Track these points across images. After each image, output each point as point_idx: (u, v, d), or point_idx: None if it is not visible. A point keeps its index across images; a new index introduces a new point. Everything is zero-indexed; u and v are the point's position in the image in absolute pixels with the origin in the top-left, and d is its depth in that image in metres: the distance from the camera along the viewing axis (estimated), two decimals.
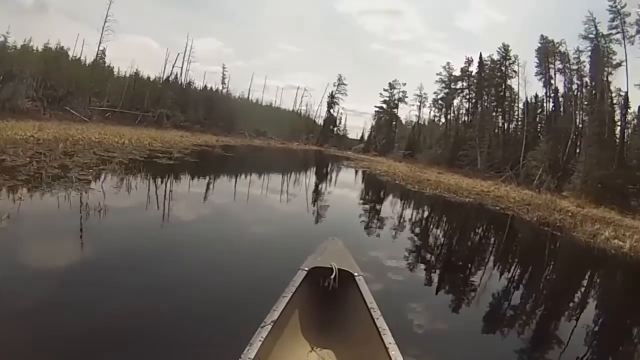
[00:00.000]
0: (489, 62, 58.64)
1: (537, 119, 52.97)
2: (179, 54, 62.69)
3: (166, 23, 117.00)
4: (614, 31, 42.85)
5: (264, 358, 3.48)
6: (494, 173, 46.86)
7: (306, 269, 4.68)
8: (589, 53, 45.71)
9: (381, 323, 3.82)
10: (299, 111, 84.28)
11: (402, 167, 44.79)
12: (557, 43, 50.31)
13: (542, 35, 51.65)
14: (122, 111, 50.96)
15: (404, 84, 74.85)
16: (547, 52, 50.45)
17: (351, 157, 64.49)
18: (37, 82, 41.81)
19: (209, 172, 22.01)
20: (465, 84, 62.86)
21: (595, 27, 44.45)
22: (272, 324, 3.63)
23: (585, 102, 46.06)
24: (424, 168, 45.42)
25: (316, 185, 24.28)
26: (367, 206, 19.12)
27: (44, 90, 42.02)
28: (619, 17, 42.20)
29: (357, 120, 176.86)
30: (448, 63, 66.02)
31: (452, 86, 64.95)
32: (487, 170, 48.34)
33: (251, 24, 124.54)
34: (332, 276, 4.60)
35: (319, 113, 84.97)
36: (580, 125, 45.42)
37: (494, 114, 57.36)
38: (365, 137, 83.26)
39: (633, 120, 42.19)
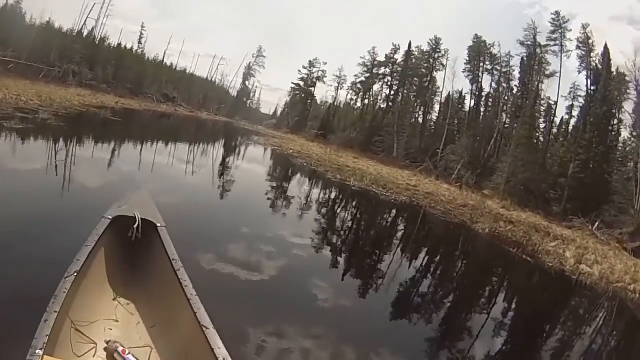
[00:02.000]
0: (415, 52, 56.69)
1: (458, 114, 51.80)
2: (94, 4, 57.30)
3: None
4: (551, 42, 43.66)
5: (69, 309, 3.41)
6: (409, 162, 44.98)
7: (109, 217, 4.49)
8: (519, 59, 46.34)
9: (182, 274, 3.90)
10: (213, 80, 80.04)
11: (315, 147, 41.23)
12: (490, 44, 49.93)
13: (476, 34, 50.95)
14: (27, 63, 45.36)
15: (325, 63, 71.39)
16: (479, 50, 49.72)
17: (261, 132, 61.56)
18: None
19: (62, 139, 16.95)
20: (388, 70, 60.20)
21: (535, 35, 44.87)
22: (75, 274, 3.47)
23: (510, 105, 46.13)
24: (337, 150, 41.94)
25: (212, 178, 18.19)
26: (284, 209, 14.43)
27: None
28: (560, 31, 43.04)
29: (272, 96, 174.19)
30: (373, 47, 63.12)
31: (375, 71, 62.07)
32: (403, 159, 46.26)
33: None
34: (135, 225, 4.50)
35: (234, 84, 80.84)
36: (505, 126, 45.26)
37: (415, 103, 55.49)
38: (278, 113, 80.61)
39: (556, 128, 43.19)
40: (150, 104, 56.48)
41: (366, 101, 64.36)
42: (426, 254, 13.32)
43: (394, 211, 18.84)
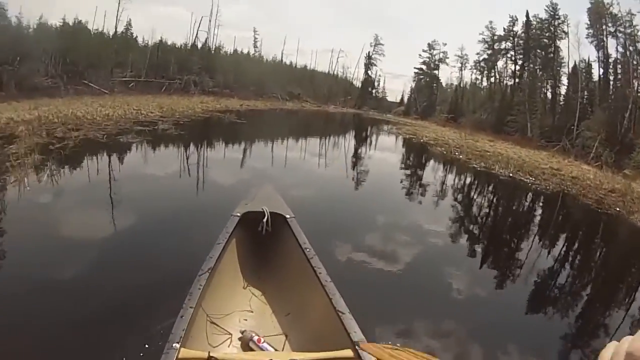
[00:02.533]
0: (534, 22, 52.96)
1: (588, 85, 46.99)
2: (202, 17, 60.85)
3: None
4: None
5: (205, 305, 3.65)
6: (544, 142, 41.89)
7: (238, 214, 4.72)
8: None
9: (316, 262, 3.98)
10: (334, 73, 79.67)
11: (449, 133, 40.03)
12: (608, 4, 44.28)
13: None
14: (147, 80, 48.47)
15: (445, 44, 69.78)
16: (599, 12, 44.52)
17: (392, 120, 60.32)
18: (56, 59, 40.33)
19: (183, 146, 17.53)
20: (510, 44, 57.09)
21: None
22: (209, 271, 3.68)
23: None
24: (472, 135, 39.95)
25: (353, 168, 18.23)
26: (442, 211, 12.33)
27: (63, 66, 40.53)
28: None
29: (395, 83, 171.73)
30: (490, 22, 60.07)
31: (496, 47, 59.22)
32: (537, 139, 43.43)
33: None
34: (264, 219, 4.69)
35: (356, 75, 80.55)
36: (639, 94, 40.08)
37: (542, 78, 51.58)
38: (405, 100, 78.37)
39: None
40: (275, 103, 57.13)
41: (492, 79, 61.64)
42: (578, 250, 11.25)
43: (543, 201, 16.73)
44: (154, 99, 32.95)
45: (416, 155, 25.89)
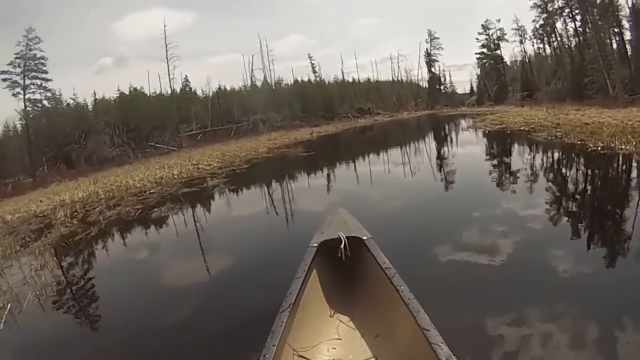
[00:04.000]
0: None
1: None
2: (253, 55, 62.09)
3: (244, 37, 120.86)
4: None
5: (290, 340, 3.67)
6: (627, 97, 38.94)
7: (315, 244, 4.75)
8: None
9: (397, 280, 3.94)
10: (400, 79, 79.82)
11: (535, 113, 37.57)
12: None
13: None
14: (213, 129, 50.09)
15: (499, 21, 68.29)
16: None
17: (467, 113, 58.39)
18: (119, 128, 41.93)
19: (224, 210, 15.14)
20: (563, 1, 53.88)
21: None
22: (290, 307, 3.69)
23: None
24: (558, 108, 38.10)
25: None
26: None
27: (128, 133, 42.07)
28: None
29: (461, 75, 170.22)
30: None
31: (550, 8, 56.62)
32: (622, 95, 40.50)
33: (326, 9, 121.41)
34: (342, 245, 4.64)
35: (421, 76, 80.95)
36: None
37: (605, 27, 47.40)
38: (475, 89, 77.83)
39: None
40: (347, 122, 57.78)
41: (555, 44, 59.39)
42: None
43: None
44: (221, 147, 33.60)
45: (523, 151, 21.40)
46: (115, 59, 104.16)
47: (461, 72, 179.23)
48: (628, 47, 45.88)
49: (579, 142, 18.84)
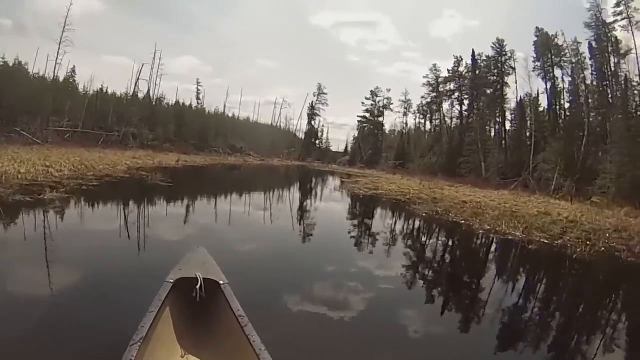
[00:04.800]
0: (479, 61, 52.53)
1: (538, 118, 46.15)
2: (143, 65, 56.32)
3: (146, 42, 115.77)
4: (619, 17, 38.47)
5: None
6: (501, 180, 40.65)
7: (171, 280, 4.51)
8: (587, 45, 41.34)
9: (249, 330, 3.84)
10: (278, 125, 78.50)
11: (409, 183, 36.51)
12: (553, 35, 44.94)
13: (537, 28, 46.28)
14: (84, 131, 44.72)
15: (389, 90, 69.36)
16: (547, 44, 44.71)
17: (337, 170, 58.54)
18: None
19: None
20: (453, 85, 56.89)
21: (600, 13, 39.80)
22: (140, 341, 3.47)
23: (594, 97, 40.46)
24: (431, 181, 37.48)
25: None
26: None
27: None
28: (623, 3, 37.95)
29: (338, 133, 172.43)
30: (434, 65, 60.48)
31: (441, 89, 59.02)
32: (494, 178, 42.13)
33: (228, 41, 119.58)
34: (198, 286, 4.46)
35: (299, 127, 79.48)
36: (591, 121, 39.49)
37: (491, 115, 50.94)
38: (350, 149, 78.13)
39: None
40: (217, 157, 54.58)
41: (437, 122, 61.28)
42: None
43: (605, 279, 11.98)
44: (84, 153, 28.98)
45: (403, 221, 19.45)
46: (16, 24, 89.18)
47: (339, 131, 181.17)
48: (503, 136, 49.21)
49: (462, 222, 17.05)
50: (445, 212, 19.30)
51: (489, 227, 15.53)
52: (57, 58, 46.29)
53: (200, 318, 4.63)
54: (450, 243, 14.90)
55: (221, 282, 4.60)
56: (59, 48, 45.69)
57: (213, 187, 28.55)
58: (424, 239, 15.51)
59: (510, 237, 14.12)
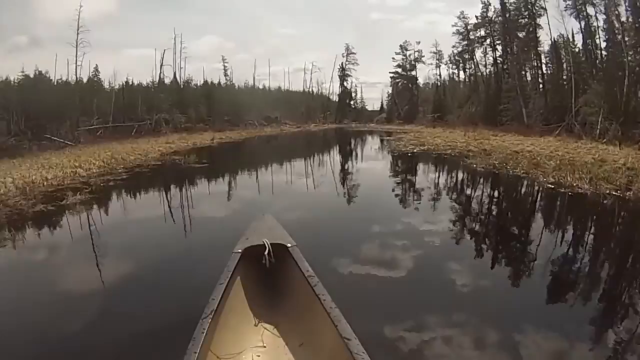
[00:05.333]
0: (507, 4, 49.93)
1: (575, 59, 43.36)
2: (165, 50, 56.16)
3: (165, 30, 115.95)
4: None
5: (213, 348, 3.54)
6: (542, 126, 39.33)
7: (239, 251, 4.60)
8: None
9: (319, 289, 3.89)
10: (310, 91, 77.62)
11: (455, 136, 35.63)
12: None
13: None
14: (115, 125, 45.10)
15: (418, 43, 67.50)
16: None
17: (376, 129, 57.45)
18: (18, 115, 37.00)
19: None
20: (487, 30, 54.69)
21: None
22: (212, 314, 3.54)
23: (632, 33, 37.25)
24: (475, 132, 36.73)
25: None
26: None
27: (27, 122, 37.10)
28: None
29: (372, 92, 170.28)
30: (462, 12, 58.25)
31: (471, 37, 57.23)
32: (537, 124, 40.90)
33: (247, 14, 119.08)
34: (266, 252, 4.52)
35: (332, 90, 79.07)
36: (631, 59, 36.42)
37: (526, 59, 48.53)
38: (385, 107, 76.89)
39: None
40: (252, 130, 54.33)
41: (471, 70, 59.42)
42: None
43: None
44: (116, 146, 28.97)
45: (463, 178, 18.35)
46: (31, 39, 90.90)
47: (372, 90, 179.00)
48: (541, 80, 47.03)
49: (524, 175, 16.61)
50: (502, 165, 18.74)
51: (553, 180, 14.83)
52: (76, 60, 46.34)
53: (271, 283, 4.69)
54: (522, 201, 14.31)
55: (289, 245, 4.67)
56: (77, 51, 45.59)
57: (251, 161, 27.58)
58: (492, 198, 14.61)
59: (580, 190, 13.27)
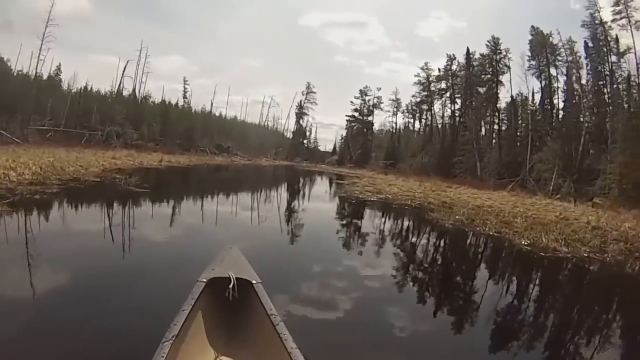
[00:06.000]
0: (472, 59, 51.56)
1: (532, 117, 44.80)
2: (128, 61, 55.15)
3: (134, 40, 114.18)
4: (618, 17, 37.44)
5: None
6: (496, 180, 39.82)
7: (204, 280, 4.48)
8: (583, 43, 40.61)
9: (281, 329, 3.81)
10: (265, 125, 77.19)
11: (410, 184, 34.55)
12: (547, 34, 43.96)
13: (532, 26, 45.21)
14: (66, 130, 43.19)
15: (379, 89, 68.58)
16: (543, 43, 43.65)
17: (326, 171, 57.08)
18: None
19: None
20: (448, 83, 55.76)
21: (598, 12, 38.80)
22: (173, 339, 3.45)
23: (589, 96, 39.66)
24: (431, 183, 35.66)
25: None
26: None
27: None
28: (622, 2, 36.92)
29: (326, 133, 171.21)
30: (426, 63, 59.14)
31: (432, 88, 58.12)
32: (490, 178, 41.25)
33: (216, 40, 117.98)
34: (231, 285, 4.39)
35: (287, 126, 78.57)
36: (588, 120, 38.77)
37: (486, 114, 49.98)
38: (338, 149, 77.10)
39: None
40: (202, 157, 52.68)
41: (428, 121, 60.43)
42: None
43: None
44: (62, 153, 26.70)
45: (432, 235, 16.11)
46: (3, 21, 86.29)
47: (326, 131, 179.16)
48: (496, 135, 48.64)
49: (496, 234, 15.07)
50: (469, 222, 17.19)
51: (529, 242, 13.54)
52: (39, 54, 45.01)
53: (233, 317, 4.56)
54: (511, 268, 12.24)
55: (254, 282, 4.57)
56: (42, 44, 44.47)
57: (196, 191, 24.73)
58: (475, 265, 12.36)
59: (559, 254, 12.07)
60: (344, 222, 18.34)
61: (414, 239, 15.54)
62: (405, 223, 19.66)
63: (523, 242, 13.62)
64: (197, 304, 4.12)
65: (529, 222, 17.13)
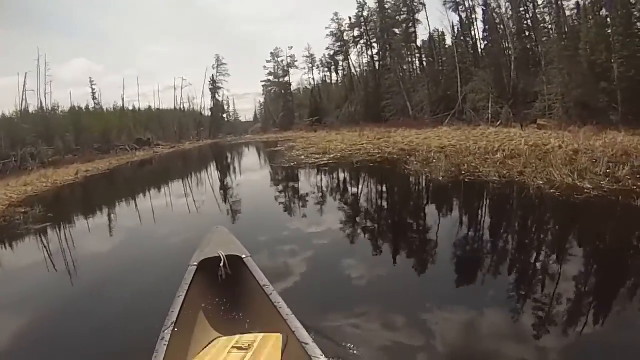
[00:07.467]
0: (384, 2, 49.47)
1: (458, 50, 43.20)
2: (27, 73, 50.90)
3: (28, 54, 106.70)
4: None
5: (175, 358, 3.48)
6: (431, 117, 39.22)
7: (195, 263, 4.67)
8: None
9: (275, 298, 4.01)
10: (182, 107, 73.24)
11: (350, 137, 32.68)
12: None
13: None
14: None
15: (291, 48, 68.65)
16: None
17: (253, 140, 55.44)
18: None
19: None
20: (362, 30, 54.07)
21: None
22: (172, 325, 3.62)
23: (511, 23, 38.74)
24: (369, 131, 34.34)
25: None
26: None
27: None
28: None
29: (245, 103, 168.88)
30: (336, 14, 57.53)
31: (346, 37, 56.57)
32: (422, 117, 40.75)
33: (117, 36, 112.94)
34: (221, 264, 4.61)
35: (204, 104, 75.17)
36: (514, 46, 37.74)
37: (406, 54, 48.71)
38: (259, 117, 75.69)
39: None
40: (124, 156, 48.56)
41: (347, 72, 58.70)
42: None
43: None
44: None
45: (463, 207, 12.05)
46: None
47: (244, 101, 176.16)
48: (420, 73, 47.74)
49: (503, 179, 13.08)
50: (459, 171, 14.78)
51: (544, 182, 11.58)
52: None
53: (228, 294, 4.60)
54: (576, 229, 9.18)
55: (243, 256, 4.70)
56: None
57: (114, 200, 19.54)
58: (524, 223, 10.21)
59: (592, 193, 10.13)
60: (328, 199, 14.20)
61: (435, 209, 12.00)
62: (396, 187, 16.17)
63: (542, 184, 11.58)
64: (191, 287, 4.24)
65: (513, 155, 15.83)
